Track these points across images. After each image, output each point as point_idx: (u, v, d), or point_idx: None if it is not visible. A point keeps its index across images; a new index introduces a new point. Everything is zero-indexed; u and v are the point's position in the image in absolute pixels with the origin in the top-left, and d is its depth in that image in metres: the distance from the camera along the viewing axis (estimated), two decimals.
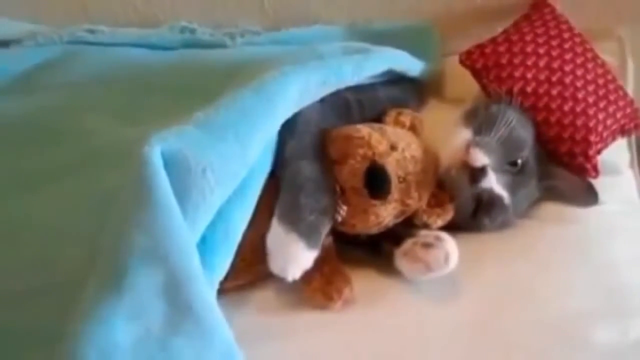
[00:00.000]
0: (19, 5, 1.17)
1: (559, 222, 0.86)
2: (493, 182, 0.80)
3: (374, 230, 0.78)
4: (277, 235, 0.72)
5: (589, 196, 0.88)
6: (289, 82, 0.75)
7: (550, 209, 0.89)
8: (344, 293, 0.75)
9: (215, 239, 0.66)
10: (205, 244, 0.65)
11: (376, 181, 0.75)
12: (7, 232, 0.72)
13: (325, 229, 0.74)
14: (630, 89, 1.05)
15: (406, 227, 0.80)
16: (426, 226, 0.79)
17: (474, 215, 0.82)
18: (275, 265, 0.72)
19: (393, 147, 0.78)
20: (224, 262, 0.68)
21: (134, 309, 0.59)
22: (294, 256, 0.72)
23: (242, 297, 0.76)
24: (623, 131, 0.95)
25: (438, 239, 0.75)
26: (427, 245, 0.75)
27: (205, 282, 0.62)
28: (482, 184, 0.80)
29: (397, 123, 0.84)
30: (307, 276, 0.73)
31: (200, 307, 0.61)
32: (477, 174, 0.80)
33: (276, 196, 0.75)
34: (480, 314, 0.75)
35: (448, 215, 0.80)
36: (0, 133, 0.87)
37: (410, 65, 0.94)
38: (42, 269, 0.68)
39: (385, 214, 0.76)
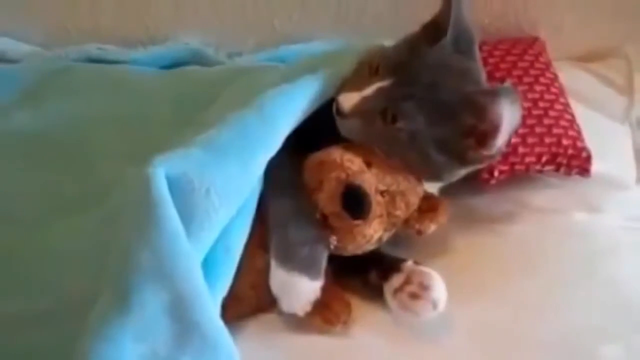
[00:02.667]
0: (31, 26, 1.18)
1: (564, 237, 0.86)
2: None
3: (368, 247, 0.77)
4: (279, 278, 0.72)
5: None
6: (288, 100, 0.75)
7: (555, 223, 0.89)
8: (342, 317, 0.75)
9: (215, 257, 0.67)
10: (206, 263, 0.66)
11: (356, 201, 0.74)
12: (18, 257, 0.74)
13: (323, 255, 0.74)
14: (637, 107, 1.06)
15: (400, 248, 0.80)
16: (420, 233, 0.79)
17: None
18: (285, 306, 0.72)
19: (369, 164, 0.77)
20: (225, 280, 0.68)
21: (141, 327, 0.60)
22: (301, 293, 0.72)
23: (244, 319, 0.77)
24: (555, 163, 0.92)
25: (424, 287, 0.73)
26: (413, 296, 0.74)
27: (210, 300, 0.63)
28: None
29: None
30: None
31: (206, 324, 0.62)
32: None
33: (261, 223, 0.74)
34: (485, 331, 0.75)
35: (442, 217, 0.79)
36: (11, 150, 0.90)
37: None
38: (51, 293, 0.69)
39: (372, 231, 0.75)
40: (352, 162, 0.76)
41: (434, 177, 0.80)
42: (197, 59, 1.10)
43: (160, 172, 0.62)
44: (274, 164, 0.72)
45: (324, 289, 0.74)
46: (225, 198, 0.65)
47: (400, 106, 0.74)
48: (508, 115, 0.72)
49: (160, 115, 0.93)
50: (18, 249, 0.75)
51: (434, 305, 0.73)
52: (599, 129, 1.00)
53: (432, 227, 0.79)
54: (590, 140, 0.93)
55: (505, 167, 0.91)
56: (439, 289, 0.73)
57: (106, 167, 0.84)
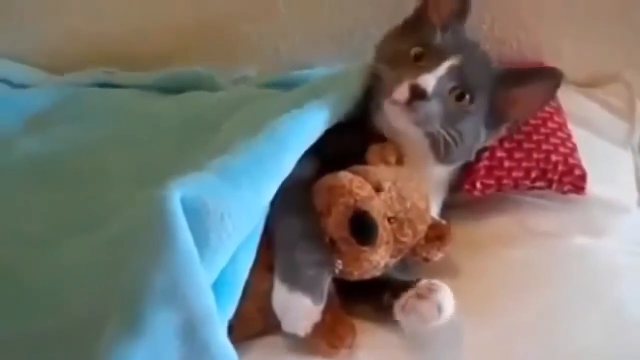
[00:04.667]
0: (38, 51, 1.20)
1: (565, 260, 0.86)
2: None
3: (374, 273, 0.77)
4: (282, 296, 0.72)
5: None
6: (299, 126, 0.77)
7: (556, 246, 0.89)
8: (346, 341, 0.75)
9: (223, 279, 0.68)
10: (213, 284, 0.66)
11: (363, 227, 0.75)
12: (24, 279, 0.74)
13: (326, 281, 0.74)
14: (639, 132, 1.06)
15: (407, 272, 0.80)
16: (426, 260, 0.80)
17: None
18: (286, 324, 0.73)
19: (378, 189, 0.78)
20: (231, 302, 0.69)
21: (153, 349, 0.60)
22: (302, 313, 0.72)
23: (250, 341, 0.77)
24: (545, 179, 0.93)
25: (430, 289, 0.74)
26: (420, 297, 0.74)
27: (220, 323, 0.63)
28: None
29: (382, 160, 0.83)
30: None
31: (215, 346, 0.62)
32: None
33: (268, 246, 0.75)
34: (486, 354, 0.75)
35: (447, 245, 0.80)
36: (18, 172, 0.91)
37: None
38: (60, 314, 0.69)
39: (378, 257, 0.76)
40: (361, 188, 0.76)
41: (466, 151, 0.87)
42: (203, 83, 1.11)
43: (176, 195, 0.62)
44: (285, 183, 0.74)
45: (329, 313, 0.74)
46: (239, 223, 0.66)
47: (471, 82, 0.82)
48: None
49: (166, 139, 0.94)
50: (24, 269, 0.75)
51: (439, 309, 0.73)
52: (601, 154, 1.01)
53: (438, 255, 0.80)
54: (592, 165, 0.93)
55: (490, 181, 0.91)
56: (445, 294, 0.74)
57: (113, 190, 0.85)
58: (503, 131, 0.90)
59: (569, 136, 0.96)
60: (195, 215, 0.63)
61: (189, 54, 1.16)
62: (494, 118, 0.86)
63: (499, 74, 0.87)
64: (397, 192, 0.78)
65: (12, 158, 0.94)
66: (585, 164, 0.93)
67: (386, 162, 0.83)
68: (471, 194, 0.92)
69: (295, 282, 0.72)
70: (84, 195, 0.86)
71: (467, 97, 0.82)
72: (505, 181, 0.92)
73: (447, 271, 0.85)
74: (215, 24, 1.16)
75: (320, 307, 0.73)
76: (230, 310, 0.68)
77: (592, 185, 0.93)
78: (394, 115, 0.82)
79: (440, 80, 0.80)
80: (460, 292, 0.79)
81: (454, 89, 0.82)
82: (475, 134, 0.86)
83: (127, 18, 1.16)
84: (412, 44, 0.85)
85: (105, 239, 0.72)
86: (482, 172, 0.91)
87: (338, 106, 0.82)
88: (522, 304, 0.81)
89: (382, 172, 0.80)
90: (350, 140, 0.84)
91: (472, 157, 0.89)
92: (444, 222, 0.82)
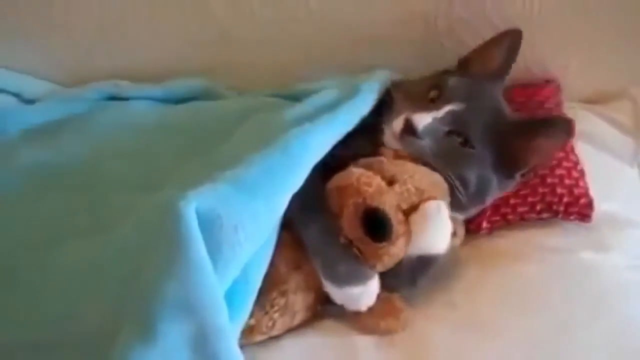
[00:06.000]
0: (46, 63, 1.20)
1: (571, 276, 0.86)
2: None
3: (394, 263, 0.79)
4: (334, 292, 0.78)
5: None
6: (311, 140, 0.78)
7: (562, 262, 0.89)
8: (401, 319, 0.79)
9: (235, 289, 0.68)
10: (225, 294, 0.66)
11: (377, 224, 0.76)
12: (31, 286, 0.74)
13: (359, 259, 0.78)
14: None
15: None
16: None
17: None
18: (349, 308, 0.79)
19: (392, 181, 0.79)
20: (244, 312, 0.70)
21: (164, 359, 0.61)
22: (358, 298, 0.78)
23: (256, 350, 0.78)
24: (551, 211, 0.94)
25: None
26: None
27: (230, 332, 0.64)
28: None
29: (397, 157, 0.84)
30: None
31: (225, 357, 0.62)
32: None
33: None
34: None
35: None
36: (21, 180, 0.91)
37: None
38: (68, 321, 0.70)
39: (397, 249, 0.77)
40: (369, 184, 0.77)
41: (477, 198, 0.87)
42: (208, 95, 1.11)
43: (191, 206, 0.63)
44: (305, 186, 0.76)
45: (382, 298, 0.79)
46: (251, 234, 0.67)
47: (471, 129, 0.85)
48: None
49: (172, 147, 0.94)
50: (32, 276, 0.75)
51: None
52: (607, 170, 1.02)
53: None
54: (598, 181, 0.94)
55: (496, 217, 0.93)
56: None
57: (118, 198, 0.85)
58: (518, 179, 0.90)
59: (576, 163, 0.97)
60: (209, 226, 0.64)
61: (196, 69, 1.16)
62: (507, 167, 0.88)
63: (512, 124, 0.89)
64: (414, 185, 0.79)
65: (18, 167, 0.94)
66: (591, 180, 0.94)
67: (402, 159, 0.84)
68: (478, 232, 0.93)
69: (338, 278, 0.77)
70: (88, 203, 0.86)
71: (468, 142, 0.85)
72: (510, 217, 0.94)
73: (454, 285, 0.86)
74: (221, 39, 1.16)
75: (372, 284, 0.78)
76: (243, 319, 0.69)
77: (599, 202, 0.93)
78: (390, 143, 0.86)
79: (436, 122, 0.84)
80: (467, 307, 0.82)
81: (450, 132, 0.85)
82: (482, 181, 0.86)
83: (137, 34, 1.17)
84: (432, 86, 0.89)
85: (117, 246, 0.72)
86: (488, 212, 0.93)
87: (349, 122, 0.85)
88: (525, 319, 0.81)
89: (400, 166, 0.81)
90: (362, 142, 0.87)
91: (487, 204, 0.90)
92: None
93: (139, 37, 1.16)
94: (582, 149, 0.99)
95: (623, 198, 0.99)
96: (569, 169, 0.95)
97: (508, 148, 0.86)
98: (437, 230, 0.79)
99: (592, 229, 0.94)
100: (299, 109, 0.89)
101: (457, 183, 0.84)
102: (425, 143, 0.84)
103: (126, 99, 1.12)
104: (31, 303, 0.73)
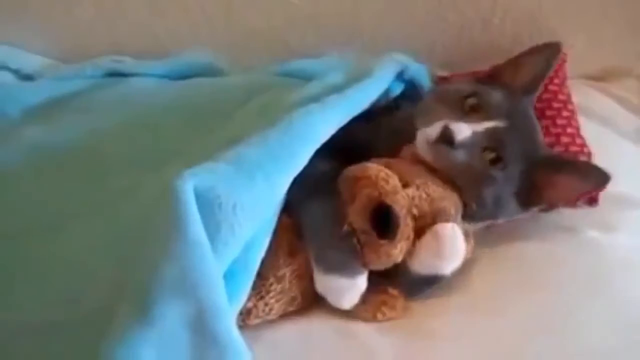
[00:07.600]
0: (45, 39, 1.20)
1: (576, 255, 0.86)
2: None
3: (389, 265, 0.77)
4: (320, 278, 0.76)
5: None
6: (316, 121, 0.77)
7: (567, 241, 0.88)
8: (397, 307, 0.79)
9: (234, 271, 0.67)
10: (224, 276, 0.66)
11: (385, 221, 0.75)
12: (33, 267, 0.74)
13: (357, 254, 0.76)
14: None
15: None
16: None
17: None
18: (331, 302, 0.77)
19: (406, 184, 0.78)
20: (242, 293, 0.69)
21: (162, 339, 0.60)
22: (342, 291, 0.76)
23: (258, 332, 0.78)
24: None
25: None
26: None
27: (229, 312, 0.63)
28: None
29: (415, 161, 0.83)
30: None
31: (225, 339, 0.62)
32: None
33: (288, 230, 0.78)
34: (493, 347, 0.75)
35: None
36: (21, 161, 0.90)
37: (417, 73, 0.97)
38: (69, 304, 0.69)
39: (397, 251, 0.76)
40: (387, 182, 0.76)
41: (489, 216, 0.85)
42: (211, 72, 1.11)
43: (189, 185, 0.62)
44: (308, 170, 0.74)
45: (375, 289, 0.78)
46: (251, 215, 0.66)
47: (506, 149, 0.81)
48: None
49: (174, 126, 0.93)
50: (33, 257, 0.75)
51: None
52: (612, 148, 1.01)
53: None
54: (603, 159, 0.93)
55: None
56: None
57: (118, 176, 0.84)
58: (535, 211, 0.87)
59: (582, 146, 0.96)
60: (208, 205, 0.63)
61: (197, 44, 1.15)
62: (529, 197, 0.84)
63: (545, 156, 0.86)
64: (427, 193, 0.78)
65: (17, 147, 0.93)
66: (595, 158, 0.93)
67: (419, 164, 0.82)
68: None
69: (328, 264, 0.76)
70: (91, 181, 0.85)
71: (500, 163, 0.81)
72: None
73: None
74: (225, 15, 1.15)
75: (359, 279, 0.76)
76: (242, 301, 0.69)
77: None
78: (421, 147, 0.83)
79: (475, 136, 0.81)
80: (472, 287, 0.81)
81: (486, 149, 0.81)
82: (500, 202, 0.83)
83: (137, 10, 1.16)
84: (469, 93, 0.86)
85: (117, 226, 0.71)
86: None
87: (357, 105, 0.83)
88: (530, 298, 0.80)
89: (418, 172, 0.80)
90: (376, 130, 0.87)
91: (497, 221, 0.87)
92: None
93: (139, 13, 1.15)
94: (587, 126, 0.98)
95: (628, 176, 0.98)
96: (576, 153, 0.95)
97: (537, 179, 0.83)
98: (449, 255, 0.77)
99: (597, 208, 0.94)
100: (306, 89, 0.87)
101: (473, 202, 0.82)
102: (459, 154, 0.80)
103: (127, 75, 1.11)
104: (33, 285, 0.72)
